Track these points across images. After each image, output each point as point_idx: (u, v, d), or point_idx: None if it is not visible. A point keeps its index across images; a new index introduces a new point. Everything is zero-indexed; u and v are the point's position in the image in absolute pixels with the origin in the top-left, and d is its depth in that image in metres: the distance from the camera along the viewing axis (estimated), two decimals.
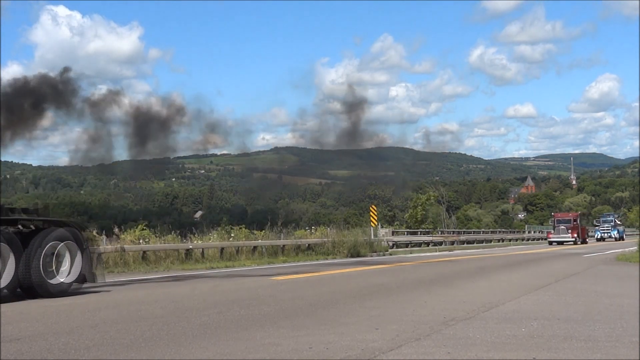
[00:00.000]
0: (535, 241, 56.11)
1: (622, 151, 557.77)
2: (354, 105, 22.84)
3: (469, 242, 45.40)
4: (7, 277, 9.97)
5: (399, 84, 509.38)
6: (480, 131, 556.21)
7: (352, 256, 26.67)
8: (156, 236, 23.45)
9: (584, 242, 48.08)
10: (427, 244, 39.02)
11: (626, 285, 11.98)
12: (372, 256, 27.63)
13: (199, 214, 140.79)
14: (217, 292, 11.33)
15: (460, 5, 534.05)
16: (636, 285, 11.50)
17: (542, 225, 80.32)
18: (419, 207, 47.84)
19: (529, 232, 65.05)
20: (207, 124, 19.37)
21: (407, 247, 35.81)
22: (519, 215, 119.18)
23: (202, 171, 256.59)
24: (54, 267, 10.63)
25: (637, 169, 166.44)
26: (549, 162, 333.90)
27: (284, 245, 25.65)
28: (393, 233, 36.88)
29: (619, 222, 63.67)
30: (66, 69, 16.87)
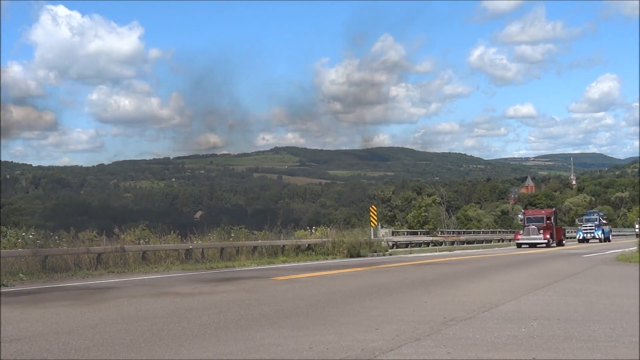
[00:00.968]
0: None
1: (622, 151, 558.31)
2: None
3: (469, 242, 45.40)
4: None
5: (399, 84, 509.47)
6: (480, 131, 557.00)
7: (352, 256, 26.66)
8: (156, 236, 23.45)
9: (559, 244, 40.90)
10: (427, 244, 39.03)
11: (626, 285, 11.98)
12: (372, 256, 27.62)
13: (199, 214, 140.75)
14: (217, 292, 11.33)
15: (461, 5, 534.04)
16: (636, 285, 11.50)
17: None
18: (422, 208, 47.86)
19: None
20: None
21: (407, 247, 35.81)
22: (519, 216, 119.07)
23: (202, 171, 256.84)
24: None
25: (637, 169, 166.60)
26: (549, 162, 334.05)
27: (283, 246, 25.65)
28: (393, 233, 36.86)
29: (604, 221, 56.68)
30: None
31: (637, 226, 70.99)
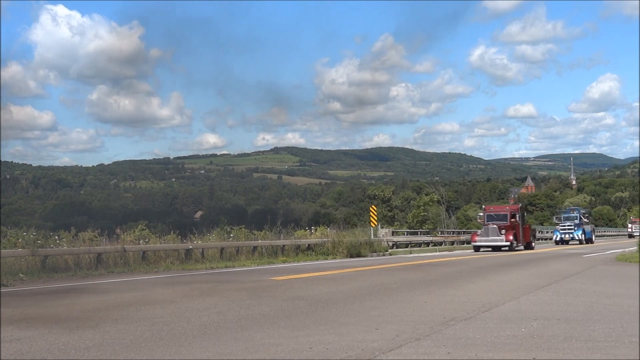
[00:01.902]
0: (540, 241, 56.08)
1: (622, 151, 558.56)
2: None
3: (469, 242, 45.37)
4: None
5: (400, 84, 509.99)
6: (480, 131, 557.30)
7: (352, 256, 26.66)
8: (156, 236, 23.46)
9: (528, 246, 34.47)
10: (427, 244, 39.04)
11: (626, 285, 11.98)
12: (372, 256, 27.62)
13: (198, 214, 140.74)
14: (217, 292, 11.33)
15: (461, 5, 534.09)
16: (636, 285, 11.50)
17: (542, 225, 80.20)
18: (421, 208, 47.85)
19: None
20: None
21: (407, 247, 35.82)
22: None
23: (202, 171, 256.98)
24: None
25: (637, 169, 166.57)
26: (549, 162, 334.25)
27: (283, 246, 25.64)
28: (393, 233, 36.87)
29: (585, 220, 48.86)
30: None
31: (630, 226, 69.62)
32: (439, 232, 45.15)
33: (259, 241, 25.22)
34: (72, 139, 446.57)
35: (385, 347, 5.83)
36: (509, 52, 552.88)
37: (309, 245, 27.26)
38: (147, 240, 22.16)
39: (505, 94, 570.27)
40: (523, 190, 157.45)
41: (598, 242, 48.40)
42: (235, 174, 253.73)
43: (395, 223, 51.83)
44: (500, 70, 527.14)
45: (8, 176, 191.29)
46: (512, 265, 18.92)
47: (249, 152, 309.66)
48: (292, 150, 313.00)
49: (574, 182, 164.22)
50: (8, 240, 18.28)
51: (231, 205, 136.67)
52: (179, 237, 23.72)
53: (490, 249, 32.29)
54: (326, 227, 31.12)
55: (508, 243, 32.09)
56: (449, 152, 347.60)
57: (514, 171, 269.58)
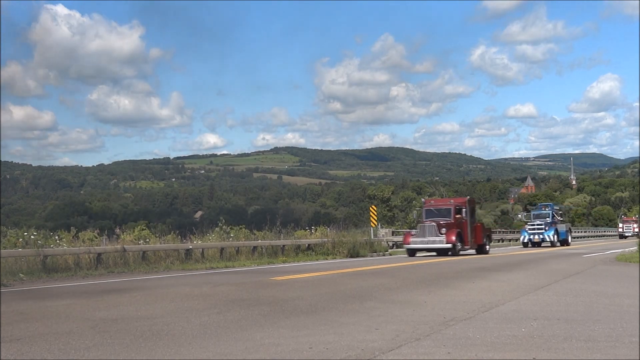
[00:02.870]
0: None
1: (622, 151, 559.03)
2: None
3: None
4: None
5: (400, 84, 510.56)
6: (480, 131, 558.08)
7: (352, 256, 26.65)
8: (156, 236, 23.46)
9: (480, 250, 28.37)
10: None
11: (626, 285, 11.98)
12: (372, 256, 27.61)
13: (198, 214, 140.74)
14: (217, 292, 11.33)
15: (461, 5, 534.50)
16: (636, 285, 11.49)
17: None
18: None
19: None
20: None
21: None
22: (519, 215, 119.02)
23: (202, 171, 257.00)
24: None
25: (637, 169, 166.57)
26: (549, 162, 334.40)
27: (283, 246, 25.64)
28: (393, 233, 36.86)
29: (559, 218, 42.54)
30: None
31: (620, 225, 67.17)
32: None
33: (259, 241, 25.22)
34: (72, 139, 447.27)
35: (385, 347, 5.83)
36: (510, 52, 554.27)
37: (309, 245, 27.27)
38: (147, 240, 22.17)
39: (506, 93, 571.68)
40: (523, 190, 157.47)
41: (580, 244, 44.63)
42: (235, 174, 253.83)
43: (397, 223, 51.80)
44: (501, 70, 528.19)
45: (8, 176, 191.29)
46: (512, 265, 18.92)
47: (249, 152, 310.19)
48: (292, 150, 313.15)
49: (574, 182, 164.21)
50: (8, 240, 18.28)
51: (231, 205, 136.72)
52: (179, 237, 23.74)
53: (435, 254, 26.20)
54: (326, 227, 31.12)
55: (449, 245, 25.62)
56: (449, 152, 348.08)
57: (514, 171, 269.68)
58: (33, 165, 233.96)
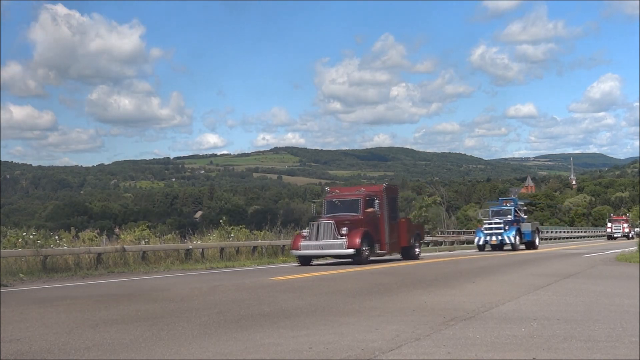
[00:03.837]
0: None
1: (622, 151, 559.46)
2: None
3: (469, 242, 45.37)
4: None
5: (400, 84, 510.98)
6: (480, 131, 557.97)
7: None
8: (156, 236, 23.48)
9: (407, 255, 22.36)
10: (427, 244, 38.99)
11: (626, 285, 11.97)
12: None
13: (199, 214, 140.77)
14: (217, 292, 11.33)
15: (462, 5, 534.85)
16: (636, 285, 11.49)
17: (542, 225, 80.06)
18: (423, 209, 47.83)
19: None
20: None
21: None
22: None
23: (202, 171, 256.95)
24: None
25: (637, 169, 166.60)
26: (549, 162, 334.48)
27: (283, 246, 25.63)
28: None
29: (523, 216, 35.10)
30: None
31: (609, 225, 59.97)
32: (439, 232, 45.11)
33: (259, 241, 25.22)
34: (72, 139, 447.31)
35: (385, 347, 5.83)
36: (510, 52, 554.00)
37: None
38: (147, 240, 22.18)
39: (506, 93, 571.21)
40: (523, 190, 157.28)
41: (548, 246, 39.05)
42: (235, 174, 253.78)
43: None
44: (501, 70, 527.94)
45: (8, 176, 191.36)
46: (512, 265, 18.92)
47: (249, 152, 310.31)
48: (292, 150, 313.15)
49: (574, 182, 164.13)
50: (8, 240, 18.30)
51: (231, 205, 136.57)
52: (179, 237, 23.76)
53: (344, 259, 20.29)
54: None
55: (351, 251, 19.17)
56: (449, 152, 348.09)
57: (514, 171, 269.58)
58: (33, 165, 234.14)
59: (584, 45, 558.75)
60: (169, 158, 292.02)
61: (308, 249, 19.92)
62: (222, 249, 22.62)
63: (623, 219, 62.86)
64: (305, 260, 20.21)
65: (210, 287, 12.25)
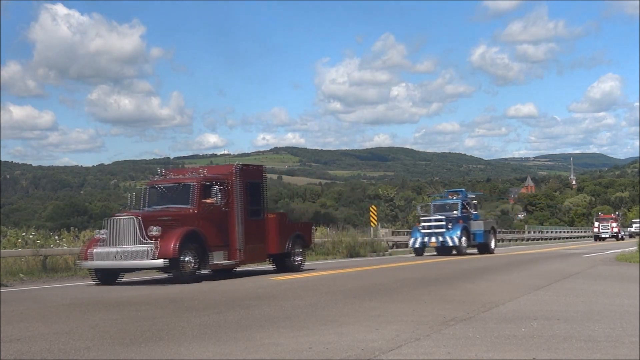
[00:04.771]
0: (534, 241, 56.02)
1: (623, 151, 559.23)
2: None
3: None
4: None
5: (400, 84, 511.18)
6: (481, 131, 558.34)
7: (351, 256, 26.66)
8: None
9: (282, 265, 16.81)
10: None
11: (626, 285, 11.97)
12: (372, 256, 27.61)
13: None
14: (217, 292, 11.33)
15: (462, 5, 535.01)
16: (636, 285, 11.49)
17: (542, 225, 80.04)
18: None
19: (529, 232, 63.23)
20: None
21: (407, 247, 35.77)
22: (519, 215, 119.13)
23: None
24: None
25: (637, 169, 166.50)
26: (549, 162, 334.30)
27: None
28: (393, 233, 36.85)
29: (474, 212, 28.40)
30: None
31: (596, 224, 56.59)
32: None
33: None
34: (72, 139, 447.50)
35: (385, 347, 5.83)
36: (510, 52, 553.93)
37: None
38: None
39: (506, 93, 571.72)
40: (523, 190, 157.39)
41: (504, 250, 32.82)
42: None
43: (398, 223, 51.83)
44: (502, 70, 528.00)
45: (8, 176, 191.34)
46: (512, 265, 18.92)
47: (249, 152, 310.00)
48: (292, 150, 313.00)
49: (574, 182, 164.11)
50: (8, 240, 18.30)
51: None
52: None
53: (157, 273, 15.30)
54: (326, 227, 31.11)
55: (161, 262, 13.14)
56: (449, 152, 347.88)
57: (514, 171, 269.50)
58: (33, 165, 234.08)
59: (584, 45, 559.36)
60: (169, 158, 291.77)
61: (101, 259, 13.64)
62: None
63: (612, 218, 58.64)
64: (106, 277, 13.85)
65: (210, 287, 12.26)
